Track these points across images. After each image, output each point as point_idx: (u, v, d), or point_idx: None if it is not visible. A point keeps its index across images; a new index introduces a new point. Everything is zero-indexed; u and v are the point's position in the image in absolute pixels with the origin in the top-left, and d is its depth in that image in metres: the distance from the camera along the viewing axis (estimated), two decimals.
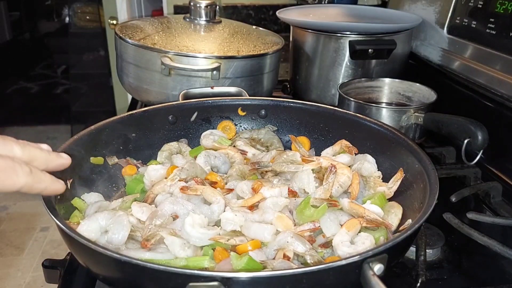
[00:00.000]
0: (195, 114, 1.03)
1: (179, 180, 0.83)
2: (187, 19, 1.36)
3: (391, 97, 1.28)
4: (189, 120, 1.03)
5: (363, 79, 1.28)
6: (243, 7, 2.44)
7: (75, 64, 4.18)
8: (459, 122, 0.96)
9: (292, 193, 0.81)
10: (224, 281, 0.53)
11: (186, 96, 1.08)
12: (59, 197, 0.74)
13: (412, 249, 0.80)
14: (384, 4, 1.79)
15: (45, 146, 0.62)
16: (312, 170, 0.85)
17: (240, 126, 1.07)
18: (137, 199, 0.84)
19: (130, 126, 0.95)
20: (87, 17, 4.08)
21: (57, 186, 0.61)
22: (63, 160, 0.64)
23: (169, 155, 0.97)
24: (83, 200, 0.81)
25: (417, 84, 1.23)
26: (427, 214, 0.65)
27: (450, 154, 1.13)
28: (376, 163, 0.91)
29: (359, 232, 0.73)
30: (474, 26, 1.18)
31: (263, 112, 1.06)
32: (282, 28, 2.29)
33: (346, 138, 0.97)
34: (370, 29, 1.32)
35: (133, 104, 1.52)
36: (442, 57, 1.32)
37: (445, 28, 1.30)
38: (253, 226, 0.73)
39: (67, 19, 4.70)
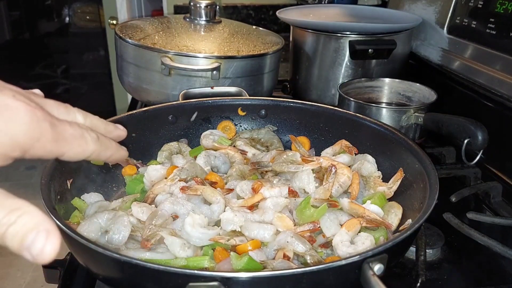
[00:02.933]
0: (195, 114, 1.03)
1: (179, 180, 0.83)
2: (187, 19, 1.36)
3: (391, 97, 1.28)
4: (189, 120, 1.03)
5: (363, 79, 1.28)
6: (243, 7, 2.44)
7: (75, 64, 4.19)
8: (459, 122, 0.96)
9: (292, 193, 0.81)
10: (224, 281, 0.53)
11: (186, 96, 1.08)
12: (59, 197, 0.74)
13: (412, 249, 0.80)
14: (384, 4, 1.79)
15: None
16: (312, 170, 0.85)
17: (240, 126, 1.07)
18: (137, 199, 0.84)
19: (130, 126, 0.94)
20: (87, 17, 4.09)
21: (122, 153, 0.59)
22: (120, 132, 0.62)
23: (169, 155, 0.97)
24: (83, 200, 0.81)
25: (417, 84, 1.22)
26: (427, 214, 0.65)
27: (450, 154, 1.13)
28: (376, 163, 0.91)
29: (359, 232, 0.73)
30: (474, 26, 1.18)
31: (263, 112, 1.06)
32: (282, 28, 2.28)
33: (346, 138, 0.96)
34: (370, 29, 1.32)
35: (133, 104, 1.52)
36: (442, 57, 1.32)
37: (445, 28, 1.30)
38: (253, 226, 0.73)
39: (67, 19, 4.70)
